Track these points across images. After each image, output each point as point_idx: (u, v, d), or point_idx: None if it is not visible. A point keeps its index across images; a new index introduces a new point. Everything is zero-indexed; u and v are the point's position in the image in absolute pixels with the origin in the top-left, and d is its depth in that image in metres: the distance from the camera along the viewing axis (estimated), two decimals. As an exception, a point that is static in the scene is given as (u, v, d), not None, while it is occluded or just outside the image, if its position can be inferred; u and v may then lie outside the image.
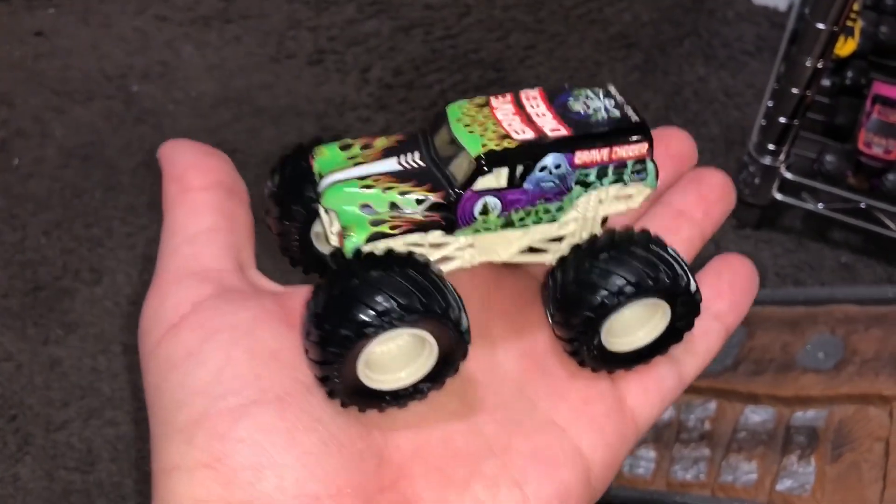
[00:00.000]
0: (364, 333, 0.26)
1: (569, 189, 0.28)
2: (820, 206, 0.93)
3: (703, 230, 0.35)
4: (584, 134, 0.28)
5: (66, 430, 0.77)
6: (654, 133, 0.37)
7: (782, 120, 0.88)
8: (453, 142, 0.28)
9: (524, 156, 0.27)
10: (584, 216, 0.29)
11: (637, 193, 0.30)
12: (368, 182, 0.28)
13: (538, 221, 0.29)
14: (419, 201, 0.27)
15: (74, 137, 1.01)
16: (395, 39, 1.16)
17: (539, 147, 0.27)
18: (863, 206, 0.90)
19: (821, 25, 0.81)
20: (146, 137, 1.02)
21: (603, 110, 0.28)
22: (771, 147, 0.91)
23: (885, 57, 1.01)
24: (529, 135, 0.27)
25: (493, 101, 0.29)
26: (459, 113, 0.28)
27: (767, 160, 0.92)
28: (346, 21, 1.18)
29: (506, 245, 0.29)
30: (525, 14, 1.22)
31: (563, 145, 0.27)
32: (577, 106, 0.28)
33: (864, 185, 0.91)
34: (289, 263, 0.32)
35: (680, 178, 0.36)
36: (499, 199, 0.28)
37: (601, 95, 0.29)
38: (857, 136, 0.90)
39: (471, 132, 0.27)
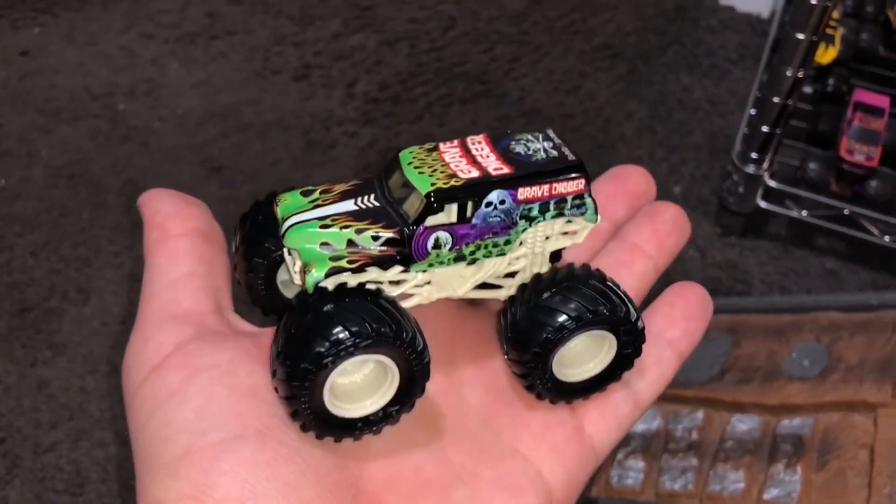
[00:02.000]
0: (323, 364, 0.28)
1: (514, 223, 0.31)
2: (804, 213, 0.93)
3: (656, 263, 0.37)
4: (526, 172, 0.30)
5: (54, 452, 0.77)
6: (613, 171, 0.39)
7: (765, 128, 0.89)
8: (405, 184, 0.30)
9: (470, 192, 0.29)
10: (532, 252, 0.32)
11: (581, 229, 0.32)
12: (327, 222, 0.30)
13: (488, 255, 0.31)
14: (375, 237, 0.30)
15: (61, 157, 1.01)
16: (380, 53, 1.17)
17: (484, 184, 0.30)
18: (846, 212, 0.91)
19: (800, 35, 0.82)
20: (133, 156, 1.02)
21: (542, 151, 0.31)
22: (754, 155, 0.92)
23: (865, 63, 1.02)
24: (475, 174, 0.30)
25: (442, 146, 0.31)
26: (411, 157, 0.31)
27: (751, 168, 0.92)
28: (332, 36, 1.19)
29: (461, 281, 0.31)
30: (509, 26, 1.22)
31: (507, 182, 0.30)
32: (519, 148, 0.31)
33: (847, 191, 0.92)
34: (261, 313, 0.34)
35: (636, 212, 0.38)
36: (450, 233, 0.30)
37: (540, 139, 0.31)
38: (839, 144, 0.91)
39: (421, 173, 0.30)
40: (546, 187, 0.30)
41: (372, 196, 0.31)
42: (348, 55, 1.16)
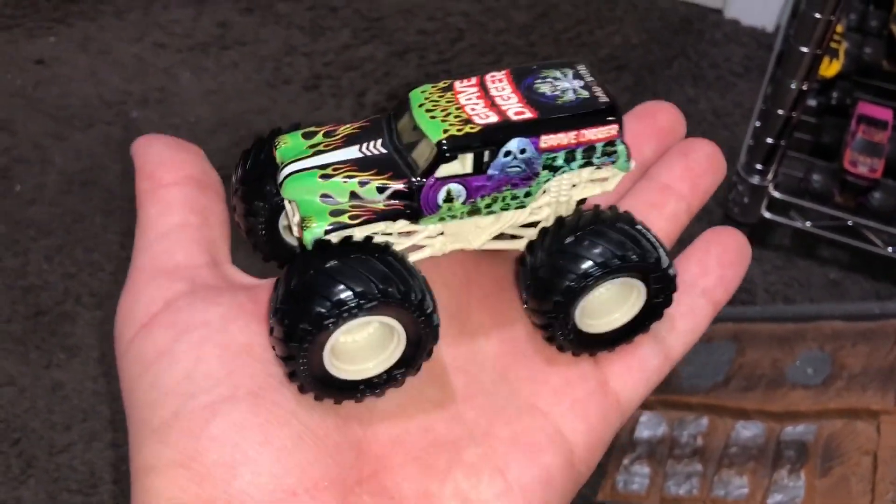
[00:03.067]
0: (323, 326, 0.25)
1: (536, 174, 0.27)
2: (808, 224, 0.94)
3: (689, 204, 0.34)
4: (550, 117, 0.27)
5: (68, 453, 0.78)
6: (640, 108, 0.35)
7: (769, 140, 0.90)
8: (416, 128, 0.27)
9: (487, 141, 0.26)
10: (557, 200, 0.29)
11: (611, 176, 0.29)
12: (329, 171, 0.27)
13: (506, 208, 0.28)
14: (380, 189, 0.27)
15: (74, 163, 1.03)
16: (389, 64, 1.18)
17: (503, 131, 0.26)
18: (850, 223, 0.92)
19: (804, 49, 0.83)
20: (145, 163, 1.03)
21: (571, 91, 0.27)
22: (759, 167, 0.93)
23: (869, 77, 1.03)
24: (493, 119, 0.27)
25: (458, 84, 0.28)
26: (422, 98, 0.27)
27: (755, 179, 0.93)
28: (342, 47, 1.20)
29: (477, 232, 0.29)
30: (517, 38, 1.24)
31: (528, 129, 0.27)
32: (545, 87, 0.27)
33: (850, 203, 0.93)
34: (262, 259, 0.31)
35: (667, 150, 0.35)
36: (463, 186, 0.27)
37: (570, 76, 0.28)
38: (842, 156, 0.92)
39: (433, 118, 0.27)
40: (573, 134, 0.27)
41: (379, 141, 0.27)
42: (358, 66, 1.18)
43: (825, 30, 0.81)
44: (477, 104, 0.27)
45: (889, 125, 0.93)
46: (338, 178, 0.27)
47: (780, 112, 0.88)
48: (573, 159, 0.27)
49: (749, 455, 0.72)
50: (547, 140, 0.27)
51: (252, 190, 0.29)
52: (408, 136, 0.27)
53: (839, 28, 1.00)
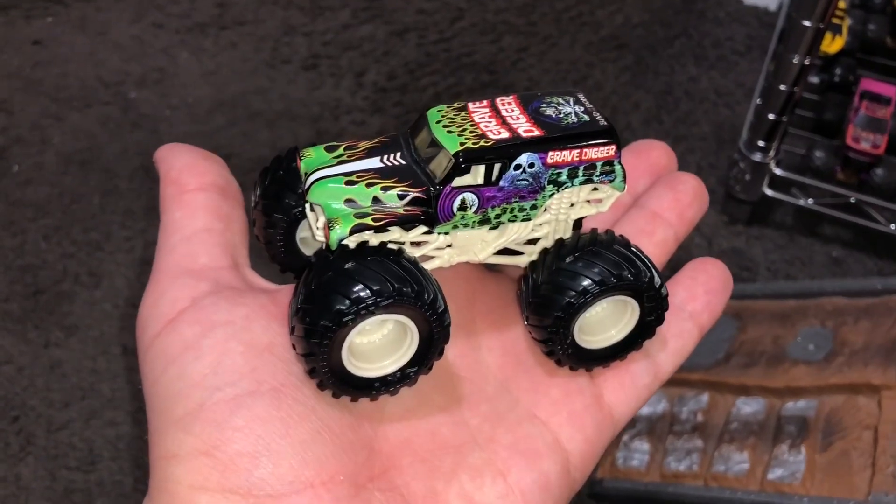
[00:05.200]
0: (343, 322, 0.27)
1: (542, 188, 0.30)
2: (810, 201, 0.94)
3: (676, 232, 0.36)
4: (556, 135, 0.29)
5: (67, 431, 0.78)
6: (636, 144, 0.39)
7: (771, 116, 0.90)
8: (433, 142, 0.29)
9: (500, 154, 0.29)
10: (556, 219, 0.31)
11: (606, 197, 0.31)
12: (353, 178, 0.29)
13: (513, 219, 0.30)
14: (401, 196, 0.29)
15: (72, 144, 1.02)
16: (389, 44, 1.18)
17: (514, 146, 0.29)
18: (852, 200, 0.91)
19: (806, 22, 0.82)
20: (143, 143, 1.03)
21: (573, 115, 0.30)
22: (761, 144, 0.92)
23: (872, 54, 1.02)
24: (505, 135, 0.29)
25: (471, 105, 0.30)
26: (439, 116, 0.30)
27: (757, 157, 0.93)
28: (341, 26, 1.19)
29: (483, 246, 0.31)
30: (517, 17, 1.23)
31: (537, 145, 0.29)
32: (550, 111, 0.30)
33: (852, 179, 0.92)
34: (279, 270, 0.33)
35: (656, 182, 0.38)
36: (476, 195, 0.29)
37: (571, 102, 0.31)
38: (845, 132, 0.92)
39: (449, 132, 0.29)
40: (576, 152, 0.30)
41: (398, 154, 0.30)
42: (357, 45, 1.17)
43: (827, 3, 0.80)
44: (489, 122, 0.30)
45: (892, 101, 0.93)
46: (361, 185, 0.29)
47: (783, 87, 0.87)
48: (576, 176, 0.30)
49: (749, 430, 0.72)
50: (553, 156, 0.29)
51: (272, 204, 0.31)
52: (425, 151, 0.30)
53: (842, 4, 0.99)
